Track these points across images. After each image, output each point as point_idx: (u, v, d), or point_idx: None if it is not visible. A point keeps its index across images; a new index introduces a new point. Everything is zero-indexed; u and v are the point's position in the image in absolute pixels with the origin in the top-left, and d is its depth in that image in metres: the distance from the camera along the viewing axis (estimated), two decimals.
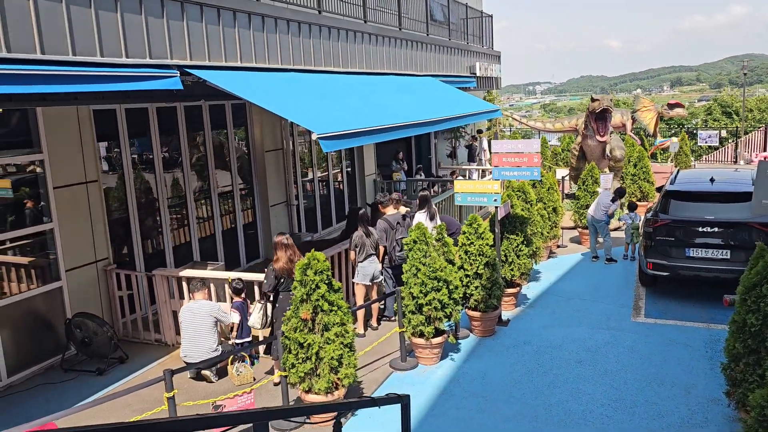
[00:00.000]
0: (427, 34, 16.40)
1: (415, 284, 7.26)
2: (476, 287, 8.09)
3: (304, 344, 6.05)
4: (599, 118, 14.69)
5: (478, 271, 8.07)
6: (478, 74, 19.64)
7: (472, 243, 8.13)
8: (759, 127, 29.94)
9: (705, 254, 8.95)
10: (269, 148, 12.36)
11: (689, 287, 9.92)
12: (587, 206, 13.05)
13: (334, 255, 8.86)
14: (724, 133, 29.03)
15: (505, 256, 9.07)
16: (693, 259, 9.03)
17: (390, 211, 9.00)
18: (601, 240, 11.90)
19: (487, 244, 8.11)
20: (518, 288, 9.32)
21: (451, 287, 7.33)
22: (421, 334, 7.34)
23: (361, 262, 8.30)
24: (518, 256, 9.09)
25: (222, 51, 8.11)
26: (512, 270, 9.07)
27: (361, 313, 8.43)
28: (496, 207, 8.55)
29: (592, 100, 14.93)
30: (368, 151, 16.01)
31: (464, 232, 8.21)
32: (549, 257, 12.23)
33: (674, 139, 24.92)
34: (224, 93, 7.46)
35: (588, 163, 14.59)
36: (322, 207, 14.27)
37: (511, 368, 7.33)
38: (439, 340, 7.41)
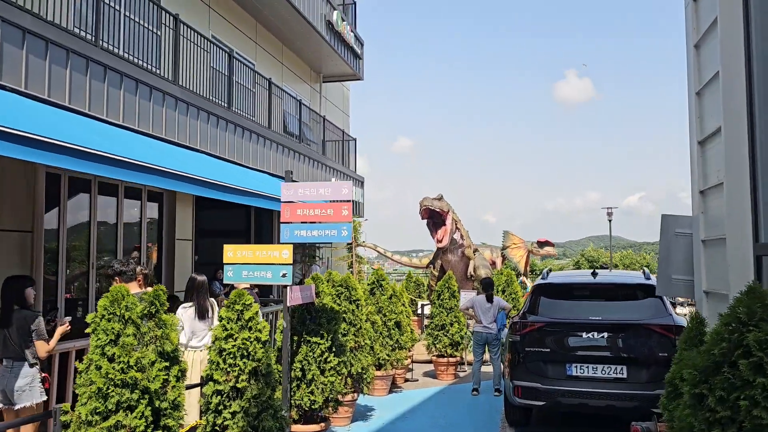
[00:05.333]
0: (269, 127, 14.03)
1: (89, 397, 3.81)
2: (233, 413, 4.69)
3: None
4: (434, 222, 12.43)
5: (238, 385, 4.74)
6: None
7: (231, 336, 4.86)
8: None
9: (593, 372, 6.17)
10: (6, 227, 8.74)
11: (576, 424, 7.01)
12: (442, 326, 10.19)
13: None
14: None
15: (302, 369, 5.80)
16: (577, 380, 6.20)
17: (133, 289, 5.53)
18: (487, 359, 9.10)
19: (256, 339, 4.87)
20: (323, 425, 5.94)
21: (159, 403, 3.92)
22: None
23: None
24: (322, 371, 5.85)
25: None
26: (312, 393, 5.77)
27: None
28: (286, 287, 5.45)
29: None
30: (182, 265, 12.57)
31: (222, 318, 4.95)
32: (391, 391, 9.00)
33: None
34: None
35: None
36: None
37: None
38: None
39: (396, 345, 8.86)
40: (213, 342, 4.90)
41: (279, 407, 4.89)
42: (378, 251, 21.31)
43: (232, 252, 5.57)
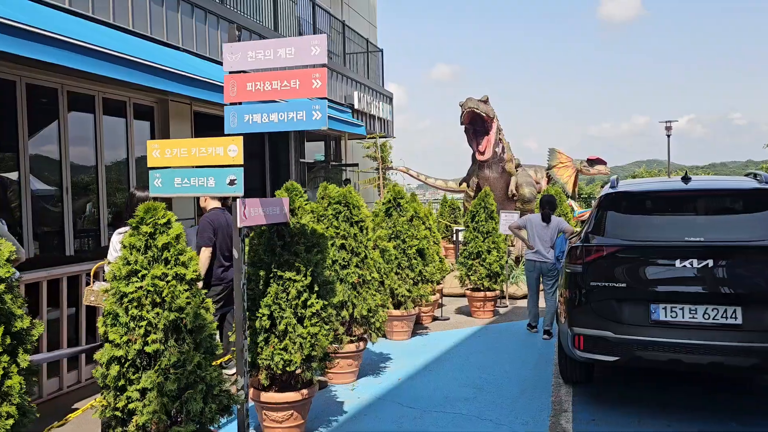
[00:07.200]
0: (275, 30, 12.06)
1: None
2: (142, 391, 3.04)
3: None
4: (476, 130, 10.26)
5: (147, 349, 3.05)
6: (356, 107, 15.42)
7: (136, 273, 3.15)
8: None
9: (690, 316, 4.30)
10: None
11: (661, 382, 5.22)
12: (478, 254, 8.36)
13: None
14: None
15: (270, 316, 4.10)
16: (666, 328, 4.34)
17: None
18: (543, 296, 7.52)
19: (177, 278, 3.14)
20: (305, 392, 4.27)
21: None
22: None
23: None
24: (300, 320, 4.14)
25: None
26: (286, 351, 4.07)
27: None
28: (236, 199, 3.68)
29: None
30: None
31: (124, 246, 3.23)
32: (414, 333, 7.34)
33: None
34: None
35: None
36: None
37: None
38: None
39: (419, 278, 7.11)
40: (111, 283, 3.19)
41: (216, 379, 3.21)
42: (410, 174, 19.38)
43: (158, 150, 3.79)
